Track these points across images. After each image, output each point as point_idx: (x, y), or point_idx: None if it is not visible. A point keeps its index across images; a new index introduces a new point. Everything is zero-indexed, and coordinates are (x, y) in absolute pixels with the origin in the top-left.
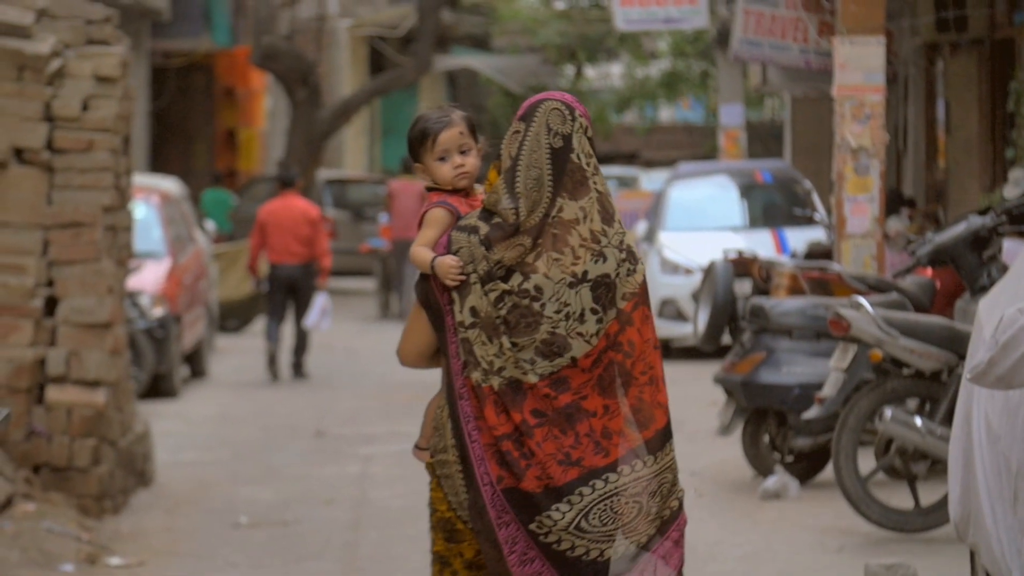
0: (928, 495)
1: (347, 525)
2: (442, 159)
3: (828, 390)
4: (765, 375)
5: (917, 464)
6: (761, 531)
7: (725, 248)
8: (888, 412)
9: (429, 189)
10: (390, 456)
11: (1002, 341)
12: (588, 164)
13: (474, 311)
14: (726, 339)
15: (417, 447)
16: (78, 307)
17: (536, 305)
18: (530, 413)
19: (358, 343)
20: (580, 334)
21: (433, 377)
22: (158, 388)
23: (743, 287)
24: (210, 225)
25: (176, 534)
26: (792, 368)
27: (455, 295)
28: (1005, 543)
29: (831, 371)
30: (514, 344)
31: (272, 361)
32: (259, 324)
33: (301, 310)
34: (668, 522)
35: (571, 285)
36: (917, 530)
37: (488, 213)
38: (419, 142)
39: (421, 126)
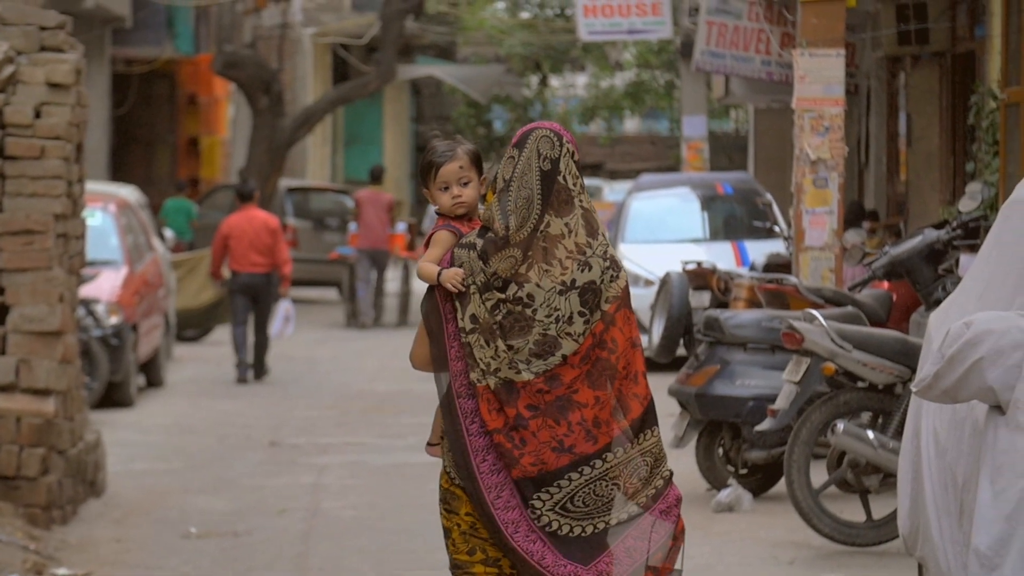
0: (880, 508)
1: (298, 536)
2: (444, 189)
3: (781, 403)
4: (719, 387)
5: (869, 477)
6: (713, 544)
7: (683, 260)
8: (840, 425)
9: (438, 214)
10: (344, 466)
11: (948, 355)
12: (574, 185)
13: (474, 318)
14: (681, 351)
15: (429, 443)
16: (29, 315)
17: (528, 311)
18: (524, 407)
19: (318, 353)
20: (569, 334)
21: (388, 388)
22: (113, 397)
23: (702, 299)
24: (169, 234)
25: (125, 544)
26: (746, 380)
27: (458, 304)
28: (951, 556)
29: (784, 384)
30: (510, 346)
31: (242, 368)
32: (217, 334)
33: (262, 317)
34: (656, 496)
35: (561, 292)
36: (869, 543)
37: (485, 230)
38: (425, 172)
39: (428, 158)
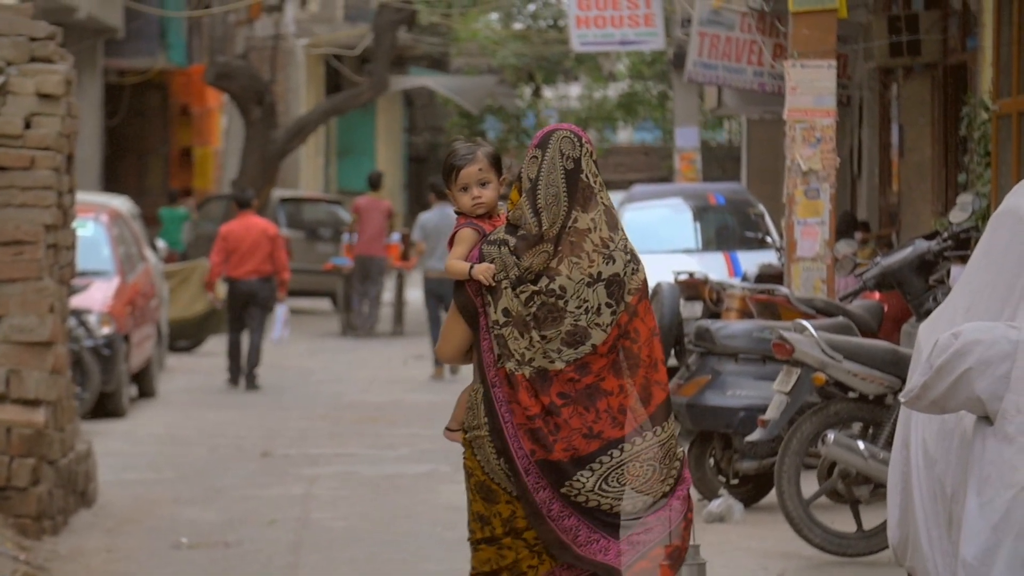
0: (870, 519)
1: (289, 547)
2: (463, 190)
3: (771, 413)
4: (710, 398)
5: (860, 488)
6: (704, 554)
7: (675, 270)
8: (831, 435)
9: (457, 213)
10: (335, 477)
11: (936, 365)
12: (595, 182)
13: (506, 311)
14: (672, 361)
15: (448, 429)
16: (19, 325)
17: (560, 302)
18: (557, 395)
19: (311, 363)
20: (598, 324)
21: (380, 399)
22: (105, 407)
23: (694, 309)
24: (161, 244)
25: (115, 555)
26: (737, 391)
27: (489, 298)
28: (940, 567)
29: (775, 394)
30: (543, 336)
31: (235, 377)
32: (210, 344)
33: (257, 323)
34: (677, 478)
35: (589, 284)
36: (859, 554)
37: (513, 227)
38: (447, 175)
39: (449, 161)
